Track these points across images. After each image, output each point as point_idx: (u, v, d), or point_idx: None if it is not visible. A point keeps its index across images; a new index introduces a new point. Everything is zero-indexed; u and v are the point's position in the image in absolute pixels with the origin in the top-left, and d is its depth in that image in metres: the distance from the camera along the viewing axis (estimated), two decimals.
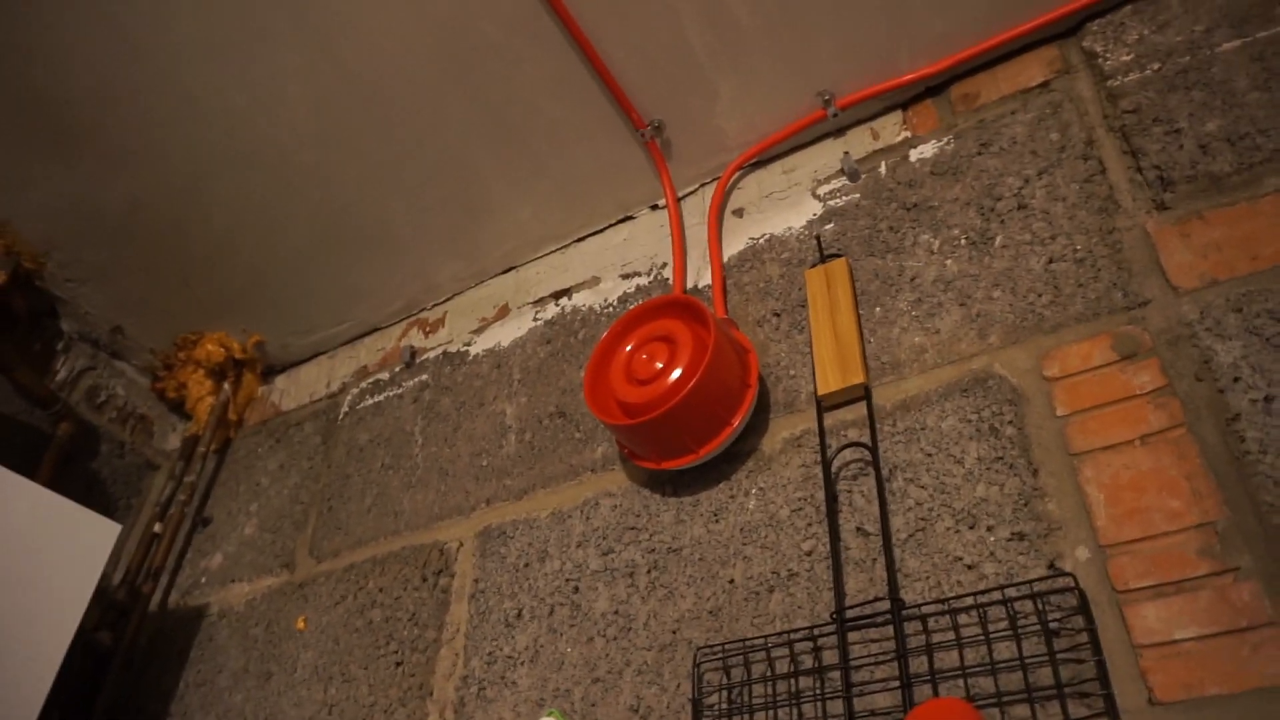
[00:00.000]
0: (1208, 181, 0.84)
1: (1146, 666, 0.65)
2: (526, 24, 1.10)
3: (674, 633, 0.89)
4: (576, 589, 1.00)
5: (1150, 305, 0.81)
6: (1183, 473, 0.71)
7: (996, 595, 0.73)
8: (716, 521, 0.94)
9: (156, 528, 1.53)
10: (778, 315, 1.05)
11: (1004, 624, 0.71)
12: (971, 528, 0.79)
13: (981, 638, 0.72)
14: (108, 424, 1.66)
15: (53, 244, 1.48)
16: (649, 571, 0.95)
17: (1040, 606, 0.70)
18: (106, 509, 1.43)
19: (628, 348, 0.99)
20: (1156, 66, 0.93)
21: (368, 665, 1.13)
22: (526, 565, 1.06)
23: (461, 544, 1.15)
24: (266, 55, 1.16)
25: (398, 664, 1.10)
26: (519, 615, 1.02)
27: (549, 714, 0.66)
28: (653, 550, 0.97)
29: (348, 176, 1.30)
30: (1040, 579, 0.71)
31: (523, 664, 0.98)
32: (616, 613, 0.95)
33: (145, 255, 1.49)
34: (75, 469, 1.58)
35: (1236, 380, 0.73)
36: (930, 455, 0.85)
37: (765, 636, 0.81)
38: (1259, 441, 0.69)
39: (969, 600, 0.74)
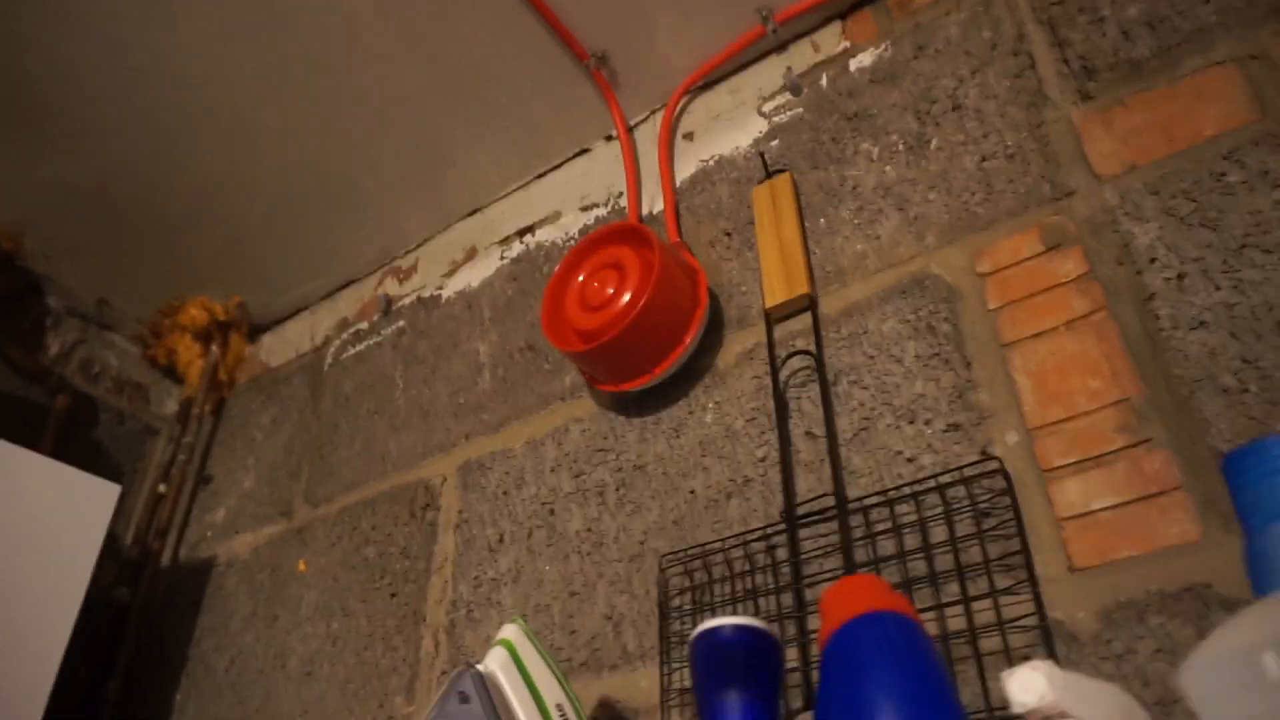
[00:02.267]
0: (1129, 68, 0.85)
1: (1067, 537, 0.69)
2: None
3: (641, 544, 0.94)
4: (552, 511, 1.04)
5: (1075, 195, 0.83)
6: (1103, 353, 0.74)
7: (931, 484, 0.76)
8: (677, 437, 0.98)
9: (161, 488, 1.59)
10: (728, 235, 1.08)
11: (938, 510, 0.75)
12: (911, 423, 0.82)
13: (918, 524, 0.76)
14: (104, 394, 1.70)
15: (27, 223, 1.50)
16: (617, 489, 1.00)
17: (970, 491, 0.74)
18: (113, 475, 1.48)
19: (580, 278, 1.02)
20: None
21: (365, 599, 1.18)
22: (505, 493, 1.10)
23: (445, 479, 1.19)
24: (215, 20, 1.16)
25: (393, 595, 1.15)
26: (500, 540, 1.07)
27: (512, 620, 0.71)
28: (620, 469, 1.01)
29: (307, 134, 1.32)
30: (970, 465, 0.75)
31: (506, 585, 1.04)
32: (589, 530, 0.99)
33: (121, 227, 1.51)
34: (77, 439, 1.63)
35: (1153, 261, 0.75)
36: (872, 358, 0.88)
37: (723, 539, 0.86)
38: (1171, 318, 0.72)
39: (906, 491, 0.78)
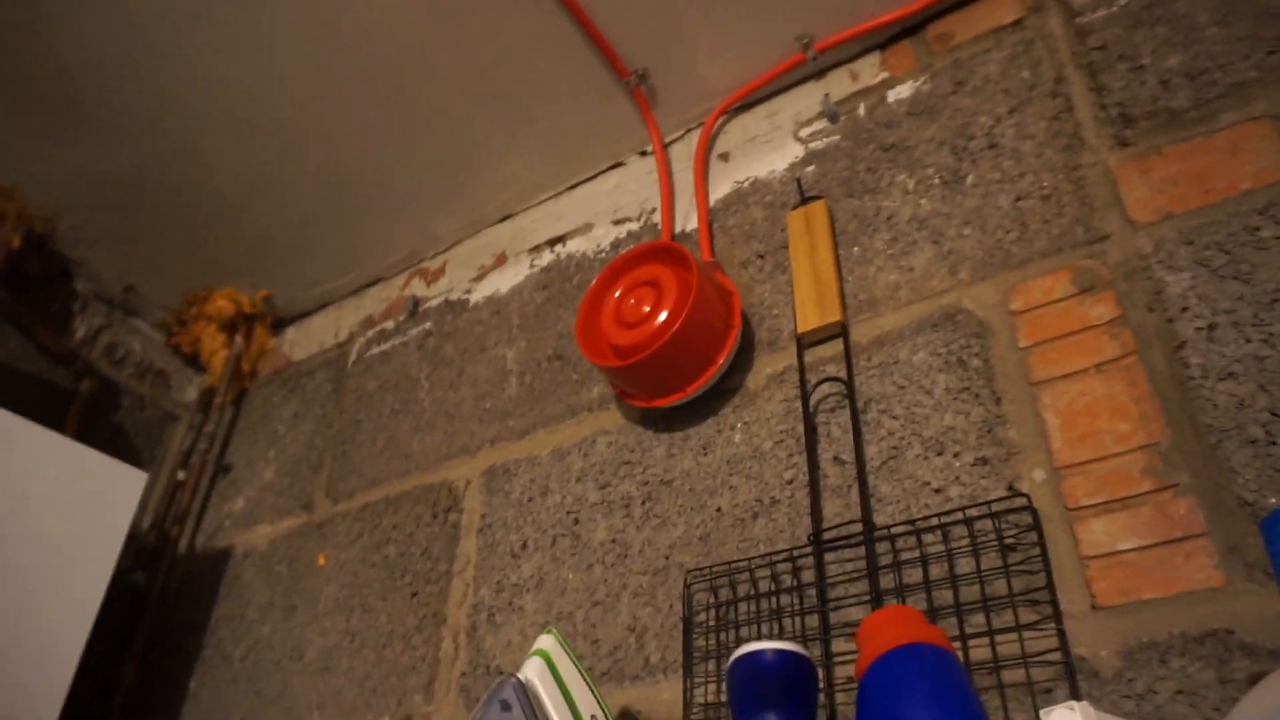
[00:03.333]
0: (1167, 117, 0.87)
1: (1091, 575, 0.71)
2: None
3: (666, 558, 0.96)
4: (577, 520, 1.06)
5: (1109, 240, 0.85)
6: (1132, 398, 0.76)
7: (958, 516, 0.78)
8: (705, 454, 1.00)
9: (180, 475, 1.61)
10: (761, 257, 1.10)
11: (965, 541, 0.77)
12: (939, 454, 0.84)
13: (944, 555, 0.78)
14: (127, 379, 1.72)
15: (62, 209, 1.52)
16: (643, 503, 1.02)
17: (997, 525, 0.76)
18: (132, 459, 1.50)
19: (616, 293, 1.04)
20: (1124, 2, 0.96)
21: (386, 596, 1.20)
22: (530, 500, 1.12)
23: (469, 482, 1.21)
24: (259, 22, 1.18)
25: (413, 594, 1.17)
26: (524, 546, 1.09)
27: (547, 631, 0.73)
28: (646, 483, 1.03)
29: (345, 136, 1.34)
30: (998, 499, 0.77)
31: (528, 590, 1.06)
32: (614, 541, 1.02)
33: (153, 217, 1.53)
34: (99, 423, 1.65)
35: (1184, 310, 0.77)
36: (902, 388, 0.90)
37: (749, 559, 0.88)
38: (1201, 367, 0.74)
39: (934, 521, 0.80)
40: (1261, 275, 0.75)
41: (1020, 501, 0.76)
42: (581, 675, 0.71)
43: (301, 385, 1.61)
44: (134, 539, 1.50)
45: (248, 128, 1.34)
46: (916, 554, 0.80)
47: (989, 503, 0.77)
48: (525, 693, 0.65)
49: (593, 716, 0.68)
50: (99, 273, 1.65)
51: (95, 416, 1.64)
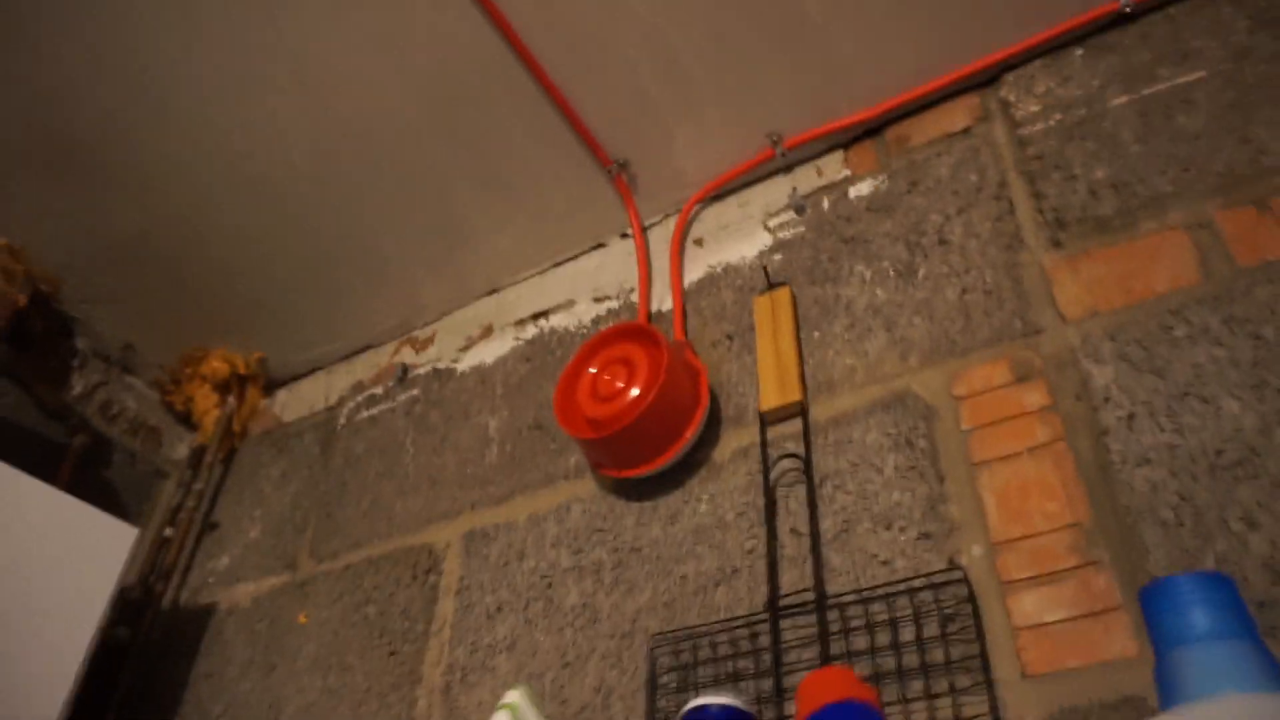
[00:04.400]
0: (1094, 223, 0.96)
1: (1021, 645, 0.77)
2: (501, 75, 1.21)
3: (633, 622, 1.01)
4: (550, 584, 1.11)
5: (1043, 334, 0.93)
6: (1060, 479, 0.83)
7: (902, 587, 0.84)
8: (673, 524, 1.06)
9: (168, 531, 1.65)
10: (730, 338, 1.17)
11: (908, 611, 0.83)
12: (887, 528, 0.91)
13: (889, 623, 0.84)
14: (120, 435, 1.77)
15: (67, 268, 1.59)
16: (613, 568, 1.07)
17: (937, 596, 0.82)
18: (121, 514, 1.53)
19: (592, 369, 1.11)
20: (1059, 117, 1.05)
21: (363, 655, 1.24)
22: (506, 564, 1.18)
23: (449, 545, 1.26)
24: (268, 101, 1.27)
25: (391, 654, 1.21)
26: (499, 609, 1.14)
27: (515, 687, 0.78)
28: (617, 550, 1.08)
29: (341, 209, 1.42)
30: (938, 572, 0.83)
31: (501, 652, 1.10)
32: (585, 605, 1.07)
33: (153, 279, 1.60)
34: (91, 477, 1.70)
35: (1107, 400, 0.85)
36: (855, 465, 0.96)
37: (710, 624, 0.93)
38: (1120, 453, 0.81)
39: (880, 592, 0.86)
40: (1174, 370, 0.83)
41: (957, 574, 0.82)
42: None
43: (290, 446, 1.66)
44: (119, 593, 1.53)
45: (249, 196, 1.42)
46: (864, 622, 0.85)
47: (930, 574, 0.83)
48: None
49: None
50: (99, 331, 1.71)
51: (87, 471, 1.68)
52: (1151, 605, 0.54)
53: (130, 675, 1.48)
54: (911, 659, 0.81)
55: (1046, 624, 0.77)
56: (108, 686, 1.47)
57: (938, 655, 0.80)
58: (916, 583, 0.84)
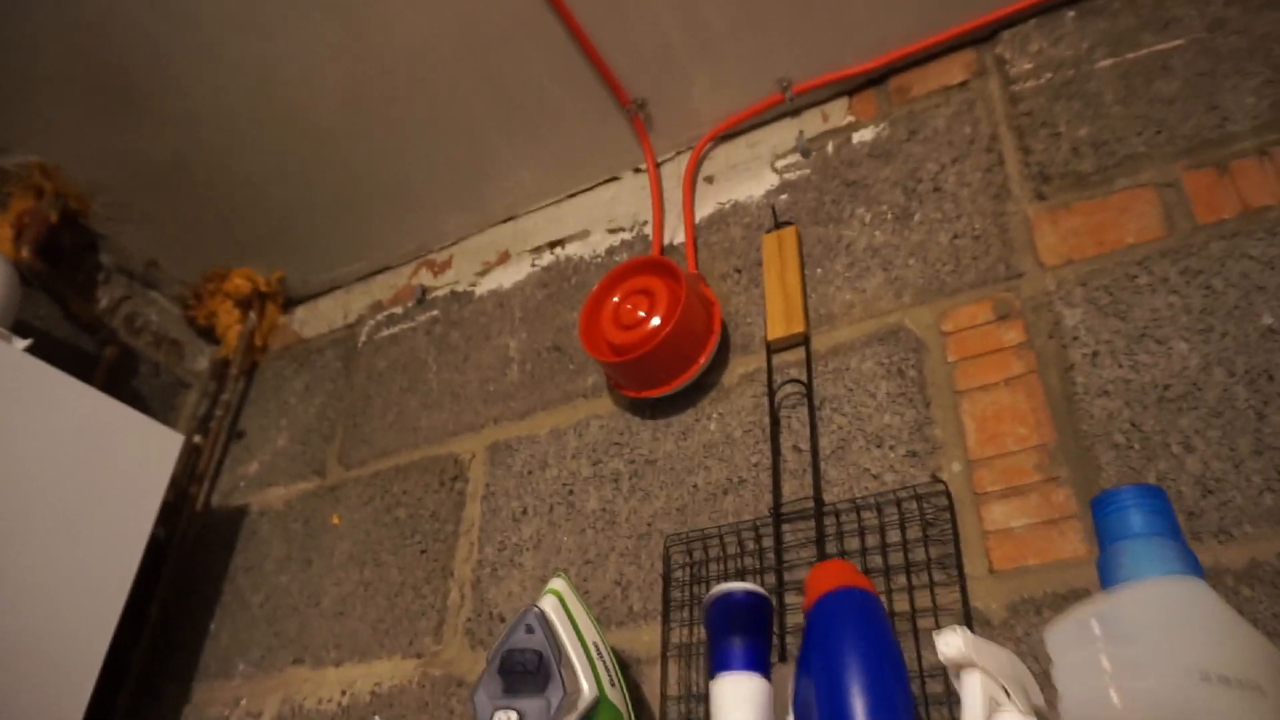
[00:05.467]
0: (1075, 179, 1.06)
1: (990, 546, 0.91)
2: (532, 18, 1.28)
3: (649, 525, 1.14)
4: (571, 491, 1.24)
5: (1023, 278, 1.04)
6: (1030, 407, 0.96)
7: (891, 496, 0.98)
8: (685, 439, 1.18)
9: (197, 439, 1.76)
10: (738, 271, 1.28)
11: (895, 517, 0.97)
12: (878, 447, 1.03)
13: (877, 527, 0.97)
14: (145, 347, 1.86)
15: (99, 188, 1.65)
16: (630, 478, 1.20)
17: (921, 506, 0.95)
18: None
19: (615, 299, 1.21)
20: (1049, 76, 1.15)
21: (396, 553, 1.37)
22: (530, 472, 1.30)
23: (474, 455, 1.38)
24: (307, 34, 1.33)
25: (422, 551, 1.34)
26: (524, 512, 1.27)
27: (558, 575, 0.90)
28: (633, 461, 1.21)
29: (371, 138, 1.49)
30: (922, 484, 0.96)
31: (527, 550, 1.23)
32: (604, 510, 1.19)
33: (183, 201, 1.67)
34: (119, 387, 1.79)
35: (1075, 339, 0.97)
36: (851, 390, 1.09)
37: (719, 527, 1.06)
38: (1084, 385, 0.94)
39: (871, 500, 0.99)
40: (1135, 314, 0.95)
41: (939, 487, 0.95)
42: (586, 612, 0.89)
43: (312, 361, 1.76)
44: None
45: (283, 125, 1.49)
46: (856, 526, 0.99)
47: (914, 487, 0.97)
48: (545, 620, 0.82)
49: (595, 644, 0.86)
50: (125, 247, 1.78)
51: (116, 381, 1.78)
52: (1099, 510, 0.67)
53: (170, 570, 1.61)
54: (896, 557, 0.95)
55: (1012, 529, 0.91)
56: (151, 579, 1.59)
57: (919, 555, 0.93)
58: (903, 493, 0.97)
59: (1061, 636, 0.60)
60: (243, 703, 1.39)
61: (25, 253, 1.55)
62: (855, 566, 0.79)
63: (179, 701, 1.46)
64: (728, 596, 0.79)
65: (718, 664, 0.77)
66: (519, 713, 0.75)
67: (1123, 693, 0.54)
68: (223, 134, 1.50)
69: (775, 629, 0.94)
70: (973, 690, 0.62)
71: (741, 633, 0.77)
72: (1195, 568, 0.62)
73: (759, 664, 0.77)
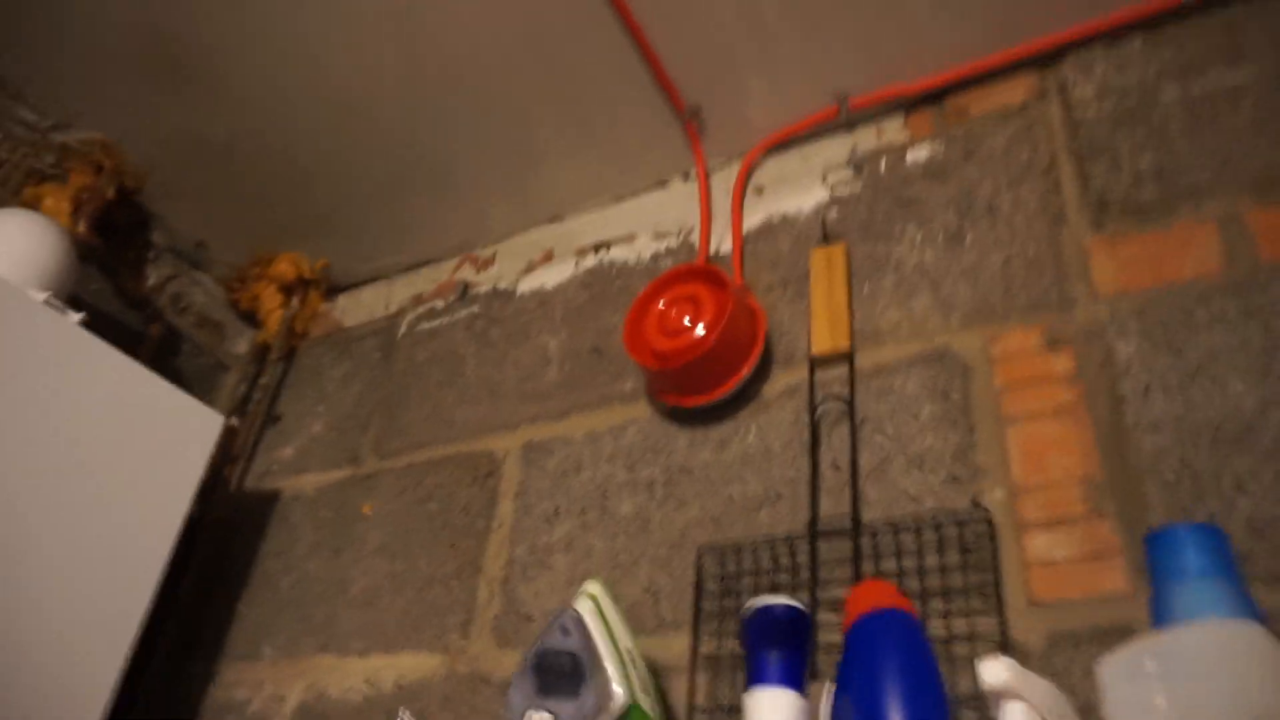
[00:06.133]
0: (1134, 208, 1.05)
1: (1030, 577, 0.90)
2: (591, 13, 1.29)
3: (682, 534, 1.14)
4: (605, 495, 1.24)
5: (1076, 306, 1.03)
6: (1078, 438, 0.95)
7: (931, 520, 0.97)
8: (722, 450, 1.18)
9: (233, 421, 1.78)
10: (785, 284, 1.27)
11: (934, 541, 0.96)
12: (920, 469, 1.02)
13: (915, 551, 0.96)
14: (188, 327, 1.89)
15: (153, 165, 1.68)
16: (665, 485, 1.19)
17: (961, 531, 0.94)
18: None
19: (660, 304, 1.21)
20: (1112, 103, 1.13)
21: (426, 546, 1.38)
22: (564, 474, 1.30)
23: (508, 453, 1.39)
24: (367, 21, 1.34)
25: (452, 545, 1.35)
26: (556, 513, 1.27)
27: (594, 580, 0.90)
28: (669, 469, 1.21)
29: (421, 130, 1.51)
30: (963, 510, 0.95)
31: (559, 551, 1.23)
32: (637, 515, 1.19)
33: (234, 182, 1.69)
34: (162, 365, 1.81)
35: (1128, 372, 0.95)
36: (894, 411, 1.08)
37: (754, 540, 1.06)
38: (1134, 420, 0.92)
39: (910, 523, 0.98)
40: (1189, 351, 0.93)
41: (982, 514, 0.94)
42: (619, 617, 0.89)
43: (351, 350, 1.78)
44: None
45: (335, 109, 1.50)
46: (893, 548, 0.98)
47: (955, 511, 0.96)
48: (581, 622, 0.82)
49: (628, 649, 0.86)
50: (175, 227, 1.81)
51: (160, 359, 1.80)
52: (1155, 547, 0.66)
53: (203, 550, 1.63)
54: (933, 582, 0.94)
55: (1055, 561, 0.90)
56: (184, 561, 1.61)
57: (957, 581, 0.92)
58: (943, 516, 0.96)
59: (1114, 670, 0.59)
60: (267, 686, 1.40)
61: (82, 227, 1.58)
62: (896, 588, 0.78)
63: (205, 681, 1.48)
64: (768, 610, 0.79)
65: (754, 677, 0.77)
66: (553, 714, 0.75)
67: None
68: (275, 116, 1.53)
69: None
70: None
71: (780, 647, 0.77)
72: (1253, 611, 0.61)
73: (795, 680, 0.76)
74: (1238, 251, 0.96)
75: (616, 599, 1.13)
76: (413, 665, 1.27)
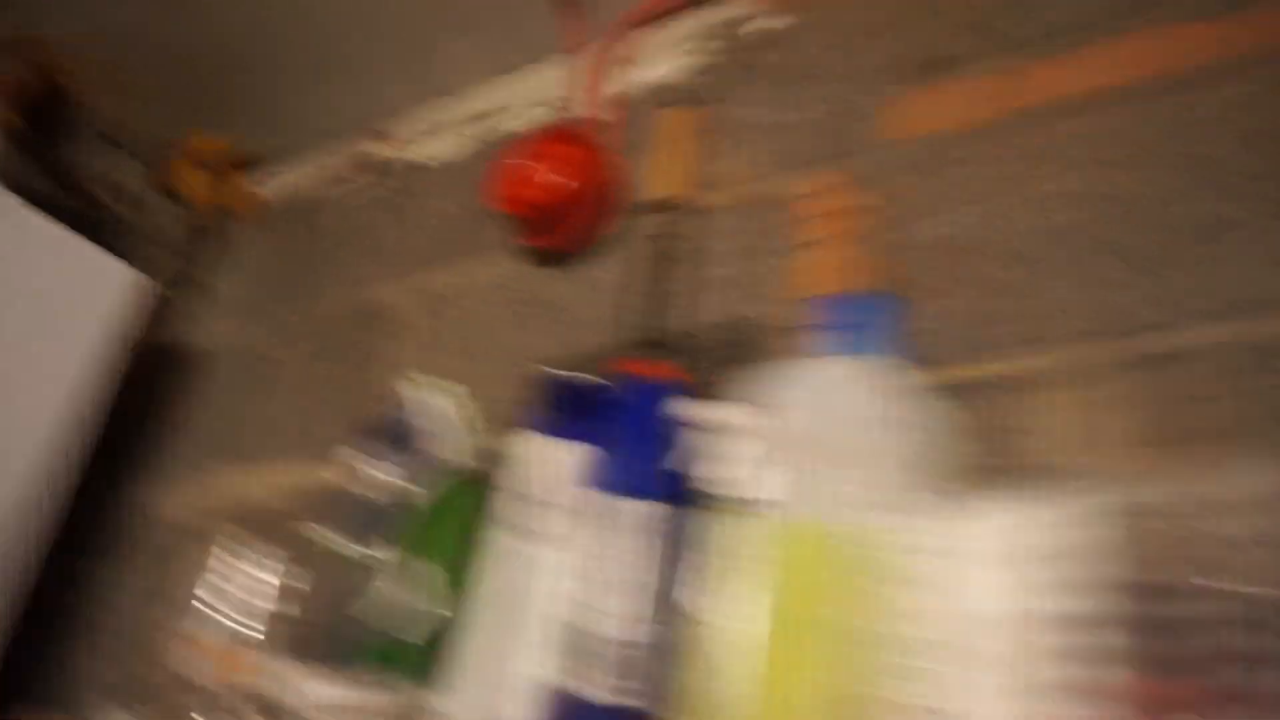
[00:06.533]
0: (939, 65, 1.21)
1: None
2: None
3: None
4: (480, 327, 1.42)
5: (855, 156, 1.19)
6: (861, 256, 1.13)
7: (720, 329, 1.15)
8: (575, 283, 1.35)
9: (161, 292, 1.92)
10: (641, 144, 1.42)
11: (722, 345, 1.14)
12: (734, 291, 1.20)
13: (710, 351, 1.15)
14: (116, 206, 2.01)
15: (79, 52, 1.79)
16: (528, 316, 1.37)
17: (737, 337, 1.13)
18: None
19: (529, 161, 1.37)
20: None
21: (330, 380, 1.56)
22: (451, 314, 1.48)
23: (401, 300, 1.56)
24: None
25: (350, 376, 1.53)
26: (438, 343, 1.45)
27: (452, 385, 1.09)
28: (531, 302, 1.38)
29: (328, 15, 1.63)
30: (749, 321, 1.14)
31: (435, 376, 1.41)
32: (505, 342, 1.37)
33: (155, 70, 1.81)
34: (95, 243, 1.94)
35: (905, 201, 1.13)
36: (717, 246, 1.25)
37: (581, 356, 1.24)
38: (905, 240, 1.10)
39: (708, 334, 1.16)
40: (944, 184, 1.11)
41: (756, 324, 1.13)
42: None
43: (274, 224, 1.92)
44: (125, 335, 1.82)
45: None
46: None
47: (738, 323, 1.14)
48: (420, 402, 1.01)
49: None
50: (99, 111, 1.91)
51: (91, 237, 1.93)
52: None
53: (135, 398, 1.80)
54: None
55: None
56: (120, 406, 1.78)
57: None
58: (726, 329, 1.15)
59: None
60: (194, 499, 1.60)
61: (11, 114, 1.70)
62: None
63: (137, 501, 1.67)
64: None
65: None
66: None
67: None
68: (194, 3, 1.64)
69: None
70: None
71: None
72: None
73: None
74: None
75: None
76: (307, 473, 1.47)
